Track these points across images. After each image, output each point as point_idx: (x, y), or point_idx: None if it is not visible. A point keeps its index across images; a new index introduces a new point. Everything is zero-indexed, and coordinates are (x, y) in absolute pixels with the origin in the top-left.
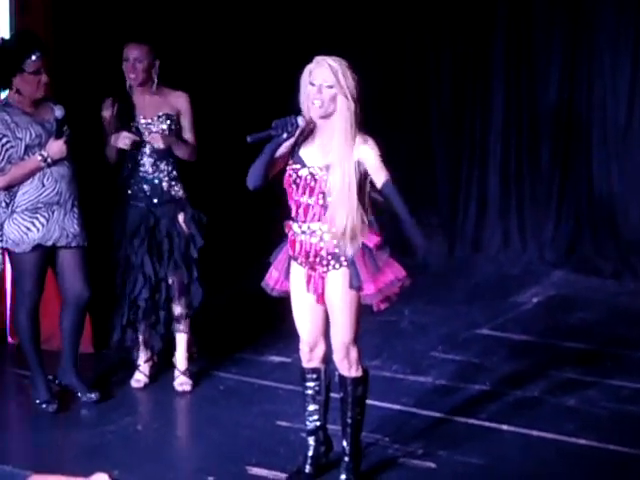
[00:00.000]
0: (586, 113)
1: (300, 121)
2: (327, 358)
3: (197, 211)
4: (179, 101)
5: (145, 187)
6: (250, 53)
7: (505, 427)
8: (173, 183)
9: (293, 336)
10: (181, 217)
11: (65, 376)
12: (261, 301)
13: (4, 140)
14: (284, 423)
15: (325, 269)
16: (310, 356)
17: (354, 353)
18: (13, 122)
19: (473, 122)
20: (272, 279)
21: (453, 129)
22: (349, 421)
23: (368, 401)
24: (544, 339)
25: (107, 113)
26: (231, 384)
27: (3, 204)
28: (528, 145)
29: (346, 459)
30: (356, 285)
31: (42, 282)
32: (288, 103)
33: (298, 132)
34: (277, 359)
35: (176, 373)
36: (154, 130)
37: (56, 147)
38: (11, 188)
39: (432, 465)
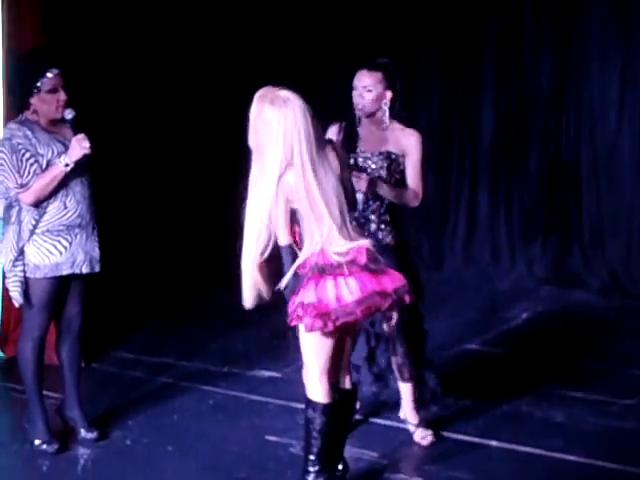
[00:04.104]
0: (575, 129)
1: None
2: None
3: (406, 261)
4: (409, 140)
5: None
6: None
7: (493, 443)
8: (382, 226)
9: (282, 351)
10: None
11: (67, 408)
12: (250, 315)
13: (27, 155)
14: (273, 438)
15: None
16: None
17: (307, 374)
18: (34, 137)
19: (462, 137)
20: None
21: (442, 144)
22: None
23: (357, 416)
24: (532, 354)
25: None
26: (220, 399)
27: (32, 223)
28: (517, 161)
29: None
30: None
31: (53, 313)
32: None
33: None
34: (266, 374)
35: (411, 428)
36: (372, 167)
37: (76, 144)
38: (41, 203)
39: None
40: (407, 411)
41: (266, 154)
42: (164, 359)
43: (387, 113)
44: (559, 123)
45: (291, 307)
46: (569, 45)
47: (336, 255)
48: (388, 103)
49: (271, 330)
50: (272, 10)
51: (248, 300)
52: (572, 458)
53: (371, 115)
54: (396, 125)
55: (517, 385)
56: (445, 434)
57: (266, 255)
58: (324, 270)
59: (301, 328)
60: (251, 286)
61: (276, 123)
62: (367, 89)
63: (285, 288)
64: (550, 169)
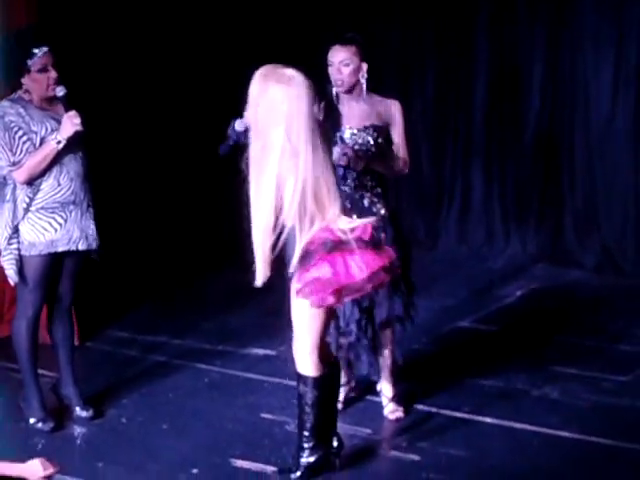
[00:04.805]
0: (569, 108)
1: (237, 126)
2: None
3: (400, 231)
4: (391, 110)
5: (346, 203)
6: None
7: (488, 419)
8: (375, 200)
9: (277, 329)
10: (382, 236)
11: (62, 386)
12: (245, 293)
13: (20, 132)
14: (268, 416)
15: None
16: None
17: (301, 348)
18: (28, 115)
19: (457, 116)
20: None
21: (436, 123)
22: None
23: (351, 393)
24: (527, 332)
25: None
26: (216, 377)
27: (25, 201)
28: (511, 139)
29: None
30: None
31: (47, 291)
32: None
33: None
34: (262, 352)
35: (384, 400)
36: (360, 142)
37: (67, 121)
38: (34, 181)
39: (415, 457)
40: (384, 383)
41: (268, 133)
42: (159, 338)
43: (364, 85)
44: (554, 105)
45: (302, 282)
46: (562, 26)
47: (342, 232)
48: (365, 75)
49: (266, 308)
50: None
51: (260, 278)
52: (567, 434)
53: (350, 90)
54: (375, 97)
55: (512, 362)
56: (440, 411)
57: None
58: (334, 247)
59: (298, 304)
60: (263, 265)
61: (280, 102)
62: (344, 63)
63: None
64: (544, 149)
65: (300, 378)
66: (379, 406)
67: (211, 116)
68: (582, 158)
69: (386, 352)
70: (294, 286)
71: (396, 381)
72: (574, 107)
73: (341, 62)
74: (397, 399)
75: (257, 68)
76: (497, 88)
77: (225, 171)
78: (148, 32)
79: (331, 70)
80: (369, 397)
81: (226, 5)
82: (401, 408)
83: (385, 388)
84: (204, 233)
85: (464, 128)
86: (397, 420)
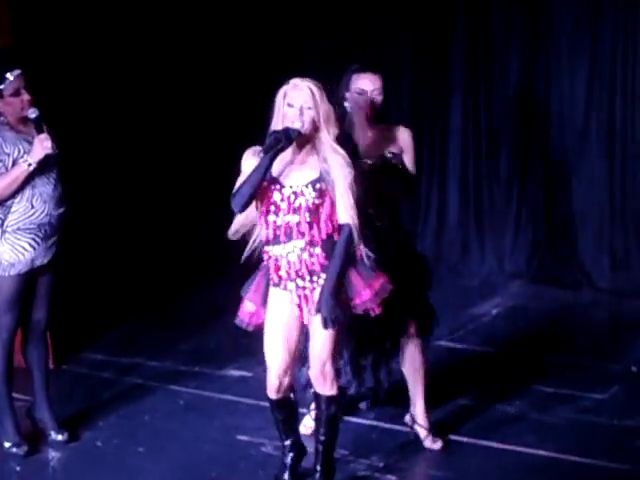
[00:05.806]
0: (544, 123)
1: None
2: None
3: (419, 254)
4: (402, 137)
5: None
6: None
7: (466, 439)
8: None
9: (253, 350)
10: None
11: (37, 410)
12: (220, 314)
13: None
14: (244, 437)
15: (315, 285)
16: (279, 388)
17: (330, 369)
18: (0, 137)
19: (432, 132)
20: (247, 314)
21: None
22: (322, 438)
23: None
24: (504, 350)
25: None
26: (191, 399)
27: None
28: (487, 155)
29: (317, 476)
30: (350, 295)
31: (22, 313)
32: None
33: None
34: (237, 373)
35: (422, 432)
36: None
37: (37, 144)
38: (4, 202)
39: (393, 478)
40: (419, 415)
41: None
42: (134, 359)
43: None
44: (529, 121)
45: (382, 284)
46: (537, 42)
47: None
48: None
49: (242, 329)
50: (241, 8)
51: None
52: (544, 453)
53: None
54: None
55: (489, 381)
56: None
57: None
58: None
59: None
60: None
61: None
62: (378, 91)
63: None
64: (520, 166)
65: (336, 399)
66: (357, 426)
67: (184, 145)
68: (557, 175)
69: (417, 382)
70: (361, 300)
71: (428, 408)
72: (549, 123)
73: (374, 90)
74: (434, 430)
75: (233, 82)
76: (473, 103)
77: (199, 192)
78: (123, 49)
79: (358, 98)
80: (346, 418)
81: (203, 20)
82: (439, 438)
83: (421, 419)
84: (179, 253)
85: (440, 144)
86: (439, 449)
